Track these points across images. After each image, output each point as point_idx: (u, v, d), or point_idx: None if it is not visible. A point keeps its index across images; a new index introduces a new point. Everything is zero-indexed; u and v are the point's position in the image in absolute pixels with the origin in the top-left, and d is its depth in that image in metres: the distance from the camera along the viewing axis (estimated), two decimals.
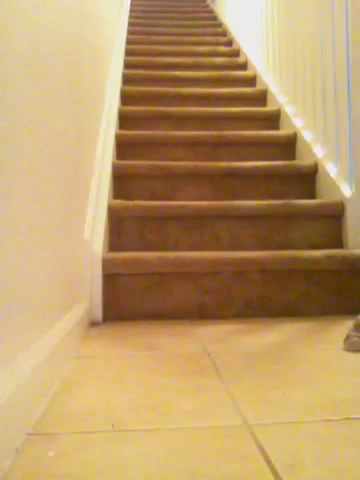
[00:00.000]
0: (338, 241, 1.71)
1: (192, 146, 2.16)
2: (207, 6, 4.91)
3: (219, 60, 3.22)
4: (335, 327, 1.30)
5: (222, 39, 3.79)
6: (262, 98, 2.68)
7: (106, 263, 1.42)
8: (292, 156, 2.21)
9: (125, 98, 2.60)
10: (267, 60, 2.79)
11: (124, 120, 2.37)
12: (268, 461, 0.55)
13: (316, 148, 2.00)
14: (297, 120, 2.23)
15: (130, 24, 3.83)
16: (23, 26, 0.73)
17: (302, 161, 2.06)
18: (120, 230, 1.68)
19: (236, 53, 3.45)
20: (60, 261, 0.99)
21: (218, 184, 1.96)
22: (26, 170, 0.73)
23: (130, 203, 1.72)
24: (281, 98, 2.46)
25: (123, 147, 2.15)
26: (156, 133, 2.19)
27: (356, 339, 1.02)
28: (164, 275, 1.45)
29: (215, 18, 4.46)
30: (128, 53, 3.20)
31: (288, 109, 2.34)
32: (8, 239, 0.63)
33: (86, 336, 1.21)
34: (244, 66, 3.21)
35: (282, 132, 2.27)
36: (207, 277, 1.45)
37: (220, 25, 4.22)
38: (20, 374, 0.64)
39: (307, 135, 2.10)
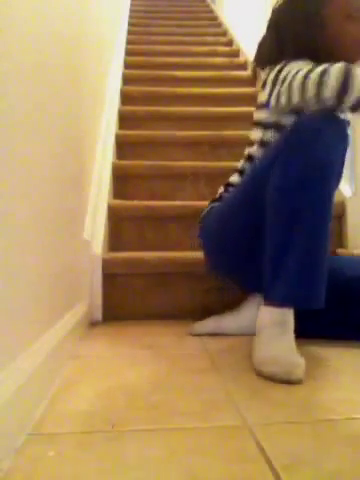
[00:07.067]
0: (338, 241, 1.71)
1: (192, 146, 2.16)
2: (207, 6, 4.92)
3: (219, 60, 3.23)
4: None
5: (222, 39, 3.79)
6: None
7: (106, 263, 1.42)
8: None
9: (125, 98, 2.60)
10: None
11: (124, 120, 2.37)
12: (268, 461, 0.55)
13: None
14: None
15: (130, 24, 3.83)
16: (24, 27, 0.73)
17: None
18: (120, 230, 1.68)
19: (236, 53, 3.45)
20: (60, 261, 0.99)
21: (218, 184, 1.95)
22: (26, 170, 0.73)
23: (130, 203, 1.72)
24: None
25: (123, 147, 2.16)
26: (156, 133, 2.19)
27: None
28: (164, 275, 1.45)
29: (215, 18, 4.47)
30: (128, 53, 3.20)
31: None
32: (8, 239, 0.63)
33: (86, 336, 1.21)
34: (244, 66, 3.21)
35: None
36: (207, 277, 1.45)
37: (220, 25, 4.22)
38: (20, 374, 0.64)
39: None
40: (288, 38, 1.09)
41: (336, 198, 1.72)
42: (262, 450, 0.58)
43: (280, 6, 1.14)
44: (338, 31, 1.06)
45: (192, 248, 1.66)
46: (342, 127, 0.93)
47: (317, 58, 1.01)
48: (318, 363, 0.94)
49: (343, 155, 0.94)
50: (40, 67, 0.83)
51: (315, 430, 0.64)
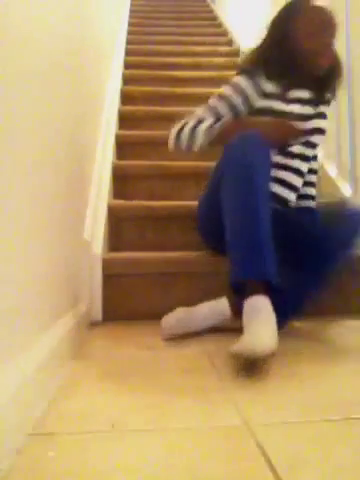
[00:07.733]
0: None
1: None
2: (207, 6, 4.92)
3: (219, 60, 3.22)
4: (333, 328, 1.30)
5: (222, 39, 3.79)
6: None
7: (106, 263, 1.42)
8: None
9: (125, 98, 2.60)
10: None
11: (124, 120, 2.37)
12: (268, 461, 0.55)
13: None
14: None
15: (130, 24, 3.83)
16: (24, 29, 0.73)
17: None
18: (120, 230, 1.68)
19: (236, 53, 3.45)
20: (60, 261, 0.99)
21: None
22: (26, 170, 0.73)
23: (130, 203, 1.72)
24: None
25: (123, 147, 2.15)
26: (156, 133, 2.19)
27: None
28: (164, 275, 1.45)
29: (215, 18, 4.47)
30: (128, 53, 3.20)
31: None
32: (8, 240, 0.63)
33: (86, 336, 1.21)
34: None
35: None
36: (208, 277, 1.45)
37: (220, 25, 4.22)
38: (20, 374, 0.64)
39: None
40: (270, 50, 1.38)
41: (335, 198, 1.74)
42: (262, 450, 0.58)
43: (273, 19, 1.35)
44: (302, 46, 1.27)
45: (192, 248, 1.66)
46: (268, 157, 1.14)
47: (289, 67, 1.30)
48: (318, 361, 0.94)
49: (269, 170, 1.16)
50: (41, 69, 0.83)
51: (315, 430, 0.64)
